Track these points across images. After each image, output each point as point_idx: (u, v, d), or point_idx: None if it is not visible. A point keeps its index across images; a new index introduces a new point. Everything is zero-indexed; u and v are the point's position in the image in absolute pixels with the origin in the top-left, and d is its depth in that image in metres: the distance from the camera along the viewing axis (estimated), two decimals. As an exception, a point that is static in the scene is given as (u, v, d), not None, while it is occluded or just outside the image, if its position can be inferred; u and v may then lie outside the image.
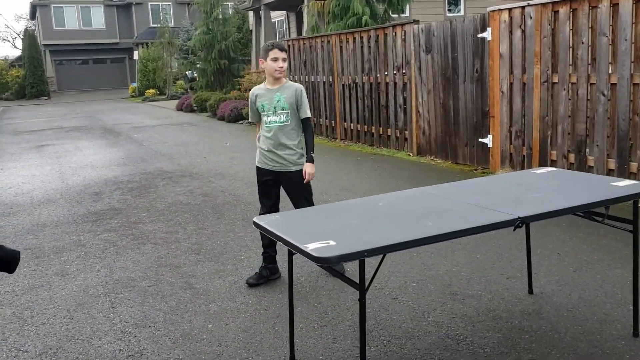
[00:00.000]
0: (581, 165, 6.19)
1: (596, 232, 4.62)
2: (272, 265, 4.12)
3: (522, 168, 6.83)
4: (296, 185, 4.02)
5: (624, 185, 2.98)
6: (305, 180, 3.97)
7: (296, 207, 4.02)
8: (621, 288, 3.64)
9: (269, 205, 4.10)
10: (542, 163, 6.61)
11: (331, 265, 2.36)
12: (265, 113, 3.98)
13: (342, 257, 2.28)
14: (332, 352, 3.08)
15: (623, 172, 5.77)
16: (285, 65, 3.93)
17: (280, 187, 4.12)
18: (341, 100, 10.66)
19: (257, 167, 4.13)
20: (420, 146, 8.88)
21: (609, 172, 5.91)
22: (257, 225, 2.79)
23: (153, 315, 3.64)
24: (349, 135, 10.62)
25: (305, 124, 4.04)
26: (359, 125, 10.26)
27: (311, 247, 2.32)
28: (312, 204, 4.02)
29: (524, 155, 6.88)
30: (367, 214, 2.85)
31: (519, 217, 2.55)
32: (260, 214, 3.85)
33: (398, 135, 9.31)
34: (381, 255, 2.37)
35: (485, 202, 2.87)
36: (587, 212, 2.89)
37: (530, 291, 3.69)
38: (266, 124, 3.99)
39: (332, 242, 2.37)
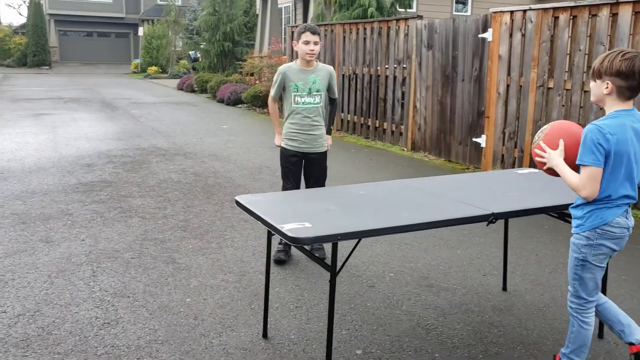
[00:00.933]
0: (569, 171, 6.25)
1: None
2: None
3: (512, 170, 6.89)
4: (320, 166, 4.21)
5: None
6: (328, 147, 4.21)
7: (311, 186, 4.24)
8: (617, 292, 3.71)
9: (297, 181, 4.22)
10: (533, 166, 6.67)
11: (305, 246, 2.42)
12: (298, 94, 4.03)
13: (315, 239, 2.34)
14: (305, 332, 3.15)
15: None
16: (317, 48, 3.97)
17: (302, 167, 4.23)
18: (340, 91, 10.69)
19: (284, 148, 4.18)
20: (414, 142, 8.93)
21: (596, 180, 5.97)
22: (238, 204, 2.85)
23: (133, 286, 3.70)
24: (345, 126, 10.66)
25: (332, 103, 4.31)
26: (355, 117, 10.30)
27: (287, 227, 2.38)
28: (324, 185, 4.28)
29: (515, 157, 6.95)
30: (347, 200, 2.91)
31: (492, 213, 2.62)
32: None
33: (394, 129, 9.36)
34: (356, 240, 2.44)
35: (463, 197, 2.93)
36: (560, 212, 2.95)
37: (504, 288, 3.76)
38: (299, 104, 4.05)
39: (307, 224, 2.43)
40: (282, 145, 4.20)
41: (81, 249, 4.34)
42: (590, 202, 2.41)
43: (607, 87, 2.35)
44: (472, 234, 4.80)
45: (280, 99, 4.24)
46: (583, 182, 2.36)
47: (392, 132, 9.40)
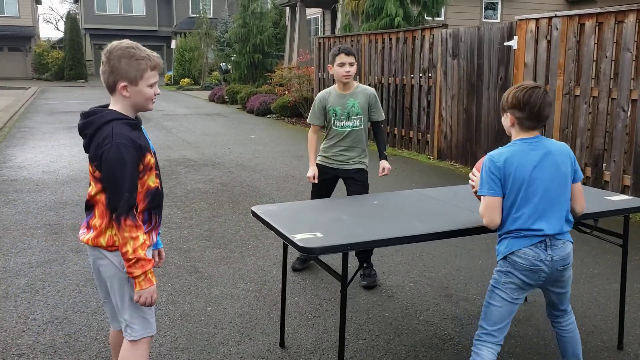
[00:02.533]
0: (597, 180, 6.17)
1: (600, 246, 4.63)
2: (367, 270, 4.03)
3: (539, 178, 6.82)
4: (361, 184, 4.04)
5: (616, 199, 3.02)
6: (383, 174, 4.09)
7: None
8: (614, 302, 3.66)
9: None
10: (559, 175, 6.59)
11: (316, 255, 2.47)
12: (337, 118, 3.93)
13: (325, 249, 2.39)
14: (321, 341, 3.19)
15: (638, 189, 5.73)
16: (353, 69, 3.84)
17: (334, 187, 4.16)
18: (367, 100, 10.71)
19: (317, 164, 4.06)
20: (440, 150, 8.91)
21: (624, 189, 5.88)
22: (254, 214, 2.92)
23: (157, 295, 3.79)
24: (370, 135, 10.65)
25: (377, 126, 4.12)
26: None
27: (298, 237, 2.43)
28: None
29: (541, 166, 6.87)
30: (360, 210, 2.95)
31: (505, 223, 2.62)
32: None
33: (420, 138, 9.35)
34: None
35: (477, 206, 2.93)
36: (576, 222, 2.93)
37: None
38: (337, 127, 3.96)
39: (319, 234, 2.48)
40: (317, 161, 4.10)
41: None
42: (504, 231, 2.41)
43: (509, 120, 2.43)
44: (494, 243, 4.76)
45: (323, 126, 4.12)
46: (482, 211, 2.41)
47: (418, 140, 9.40)
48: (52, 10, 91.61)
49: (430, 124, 9.06)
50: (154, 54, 2.22)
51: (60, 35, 43.55)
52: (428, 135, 9.14)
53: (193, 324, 3.40)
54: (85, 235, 2.23)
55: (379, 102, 4.06)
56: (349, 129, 3.95)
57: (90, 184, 2.21)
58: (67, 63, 34.78)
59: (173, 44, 33.48)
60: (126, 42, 2.18)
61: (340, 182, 4.16)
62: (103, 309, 3.55)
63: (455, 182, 7.17)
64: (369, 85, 10.59)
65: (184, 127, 13.16)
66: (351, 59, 3.83)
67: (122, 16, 40.28)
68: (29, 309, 3.59)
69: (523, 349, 3.09)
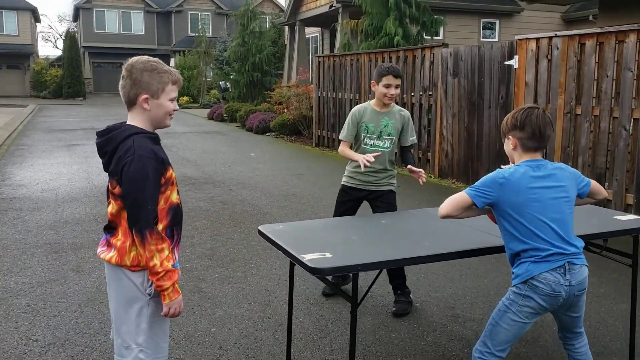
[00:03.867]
0: (599, 198, 6.15)
1: (607, 265, 4.59)
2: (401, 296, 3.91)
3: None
4: (389, 203, 3.88)
5: (625, 219, 3.00)
6: (422, 179, 3.77)
7: None
8: (623, 322, 3.63)
9: None
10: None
11: (325, 276, 2.43)
12: (368, 135, 3.82)
13: (335, 270, 2.36)
14: (328, 363, 3.14)
15: (641, 207, 5.73)
16: (398, 92, 3.78)
17: (356, 210, 4.01)
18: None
19: (342, 185, 4.00)
20: (442, 168, 8.91)
21: (627, 207, 5.87)
22: (261, 233, 2.89)
23: (160, 315, 3.74)
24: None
25: (407, 152, 3.97)
26: (382, 144, 10.32)
27: (307, 257, 2.40)
28: None
29: (543, 185, 6.86)
30: (368, 230, 2.92)
31: (514, 243, 2.59)
32: None
33: (421, 156, 9.36)
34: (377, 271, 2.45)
35: (486, 226, 2.91)
36: (585, 243, 2.91)
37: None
38: (367, 145, 3.83)
39: (328, 255, 2.45)
40: (342, 182, 4.01)
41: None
42: (520, 255, 2.36)
43: (511, 143, 2.42)
44: (500, 263, 4.75)
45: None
46: (450, 199, 2.38)
47: (419, 159, 9.40)
48: (51, 28, 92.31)
49: (431, 142, 9.06)
50: (175, 69, 2.22)
51: (59, 53, 43.78)
52: (429, 154, 9.14)
53: (197, 345, 3.35)
54: (106, 253, 2.20)
55: (413, 126, 3.98)
56: (379, 149, 3.81)
57: (109, 202, 2.18)
58: (66, 81, 34.87)
59: (172, 63, 33.66)
60: (147, 57, 2.18)
61: (365, 203, 4.03)
62: (106, 330, 3.50)
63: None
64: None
65: (183, 145, 13.15)
66: (398, 81, 3.73)
67: (121, 35, 40.51)
68: (30, 329, 3.53)
69: (533, 371, 3.05)
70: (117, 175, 2.06)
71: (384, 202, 3.87)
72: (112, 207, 2.16)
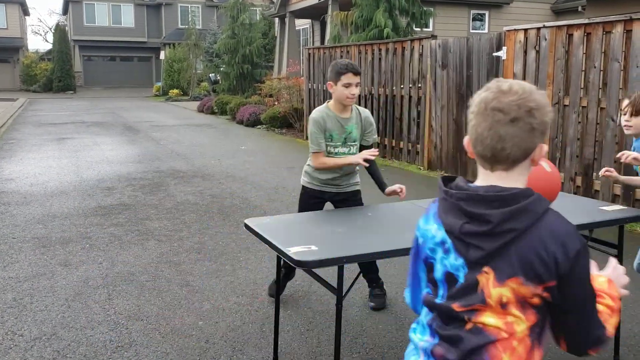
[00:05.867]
0: (587, 189, 6.19)
1: (595, 256, 4.62)
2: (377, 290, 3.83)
3: (529, 188, 6.84)
4: (356, 201, 3.72)
5: (610, 210, 3.01)
6: (403, 195, 3.59)
7: None
8: (609, 312, 3.65)
9: None
10: (549, 184, 6.61)
11: (311, 269, 2.43)
12: (332, 144, 3.50)
13: (321, 262, 2.36)
14: (315, 355, 3.15)
15: (628, 198, 5.76)
16: (358, 91, 3.41)
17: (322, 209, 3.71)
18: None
19: (304, 187, 3.71)
20: (431, 160, 8.92)
21: (615, 198, 5.91)
22: (247, 227, 2.88)
23: (147, 310, 3.74)
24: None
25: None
26: (372, 137, 10.31)
27: (292, 250, 2.40)
28: None
29: (531, 176, 6.89)
30: (355, 223, 2.92)
31: (500, 235, 2.60)
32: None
33: (410, 148, 9.37)
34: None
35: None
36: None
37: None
38: (331, 154, 3.52)
39: (314, 247, 2.45)
40: (304, 183, 3.71)
41: (98, 272, 4.41)
42: None
43: None
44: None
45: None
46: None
47: (409, 151, 9.41)
48: (41, 21, 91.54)
49: (421, 134, 9.07)
50: None
51: (48, 46, 43.39)
52: (418, 146, 9.15)
53: (184, 338, 3.35)
54: None
55: (374, 123, 3.70)
56: (343, 156, 3.54)
57: (492, 313, 1.34)
58: (56, 74, 34.58)
59: (162, 55, 33.45)
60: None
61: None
62: (92, 324, 3.49)
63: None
64: (359, 96, 10.57)
65: (173, 138, 13.10)
66: (358, 79, 3.38)
67: (111, 28, 40.22)
68: (16, 324, 3.51)
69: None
70: (557, 278, 1.29)
71: (352, 201, 3.67)
72: (503, 321, 1.33)
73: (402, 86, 9.43)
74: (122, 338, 3.34)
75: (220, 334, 3.40)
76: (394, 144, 9.75)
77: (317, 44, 20.49)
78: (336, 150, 3.52)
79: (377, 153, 3.47)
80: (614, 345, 3.12)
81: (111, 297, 3.94)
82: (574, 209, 3.08)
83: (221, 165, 9.39)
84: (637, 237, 5.34)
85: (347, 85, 3.34)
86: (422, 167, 9.04)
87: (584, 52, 6.19)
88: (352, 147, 3.54)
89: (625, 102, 3.25)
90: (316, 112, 3.51)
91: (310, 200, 3.66)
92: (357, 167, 3.66)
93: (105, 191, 7.33)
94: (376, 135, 3.74)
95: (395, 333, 3.41)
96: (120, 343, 3.28)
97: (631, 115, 3.20)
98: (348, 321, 3.57)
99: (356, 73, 3.35)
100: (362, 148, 3.61)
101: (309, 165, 3.70)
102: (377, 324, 3.53)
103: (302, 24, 22.26)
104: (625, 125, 3.26)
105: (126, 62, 42.30)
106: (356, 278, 2.69)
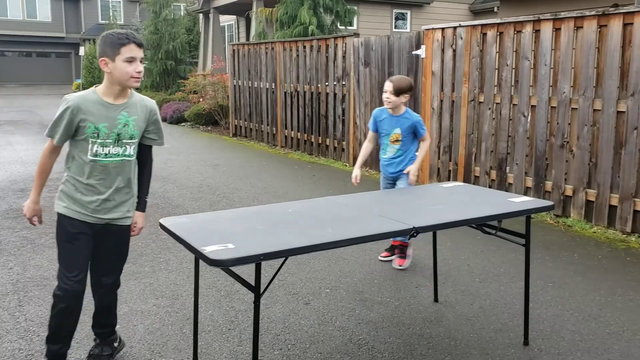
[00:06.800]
0: (502, 182, 6.46)
1: (506, 246, 4.84)
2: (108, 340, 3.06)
3: (449, 182, 7.07)
4: (122, 244, 2.91)
5: (518, 201, 3.16)
6: (133, 234, 2.93)
7: (101, 278, 2.92)
8: (520, 299, 3.83)
9: (83, 266, 2.75)
10: (467, 179, 6.86)
11: (228, 267, 2.40)
12: (100, 141, 2.64)
13: (237, 260, 2.33)
14: (237, 354, 3.13)
15: (539, 190, 6.06)
16: (143, 68, 2.69)
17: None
18: (283, 108, 10.75)
19: (63, 216, 2.72)
20: (356, 157, 9.03)
21: (527, 190, 6.20)
22: (162, 227, 2.81)
23: (61, 315, 3.58)
24: (289, 143, 10.70)
25: (150, 158, 2.92)
26: (299, 134, 10.35)
27: (208, 249, 2.36)
28: (119, 277, 3.02)
29: (450, 170, 7.13)
30: (275, 219, 2.91)
31: (414, 227, 2.68)
32: (65, 287, 2.70)
33: (336, 145, 9.46)
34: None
35: (388, 212, 2.99)
36: (480, 224, 3.05)
37: (436, 299, 3.84)
38: (99, 157, 2.66)
39: (230, 245, 2.42)
40: (61, 211, 2.72)
41: (8, 278, 4.18)
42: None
43: (405, 98, 3.14)
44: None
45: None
46: None
47: (335, 148, 9.50)
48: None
49: (346, 131, 9.18)
50: None
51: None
52: (344, 143, 9.26)
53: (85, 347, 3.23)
54: None
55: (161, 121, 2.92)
56: (117, 160, 2.70)
57: None
58: (-36, 70, 32.53)
59: (82, 51, 32.09)
60: None
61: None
62: (0, 333, 3.31)
63: (370, 187, 7.29)
64: (285, 93, 10.59)
65: (93, 137, 12.61)
66: (142, 53, 2.66)
67: (26, 22, 38.23)
68: None
69: (435, 350, 3.17)
70: None
71: (117, 241, 2.86)
72: None
73: (327, 83, 9.50)
74: (33, 346, 3.19)
75: (138, 337, 3.31)
76: (320, 141, 9.81)
77: (243, 40, 20.30)
78: (106, 149, 2.67)
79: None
80: (523, 331, 3.28)
81: (22, 304, 3.75)
82: (484, 201, 3.20)
83: (143, 164, 9.12)
84: (548, 227, 5.63)
85: (131, 60, 2.60)
86: (347, 164, 9.14)
87: (497, 50, 6.45)
88: (129, 147, 2.72)
89: (388, 83, 4.32)
90: (74, 96, 2.66)
91: (71, 230, 2.70)
92: (124, 193, 2.79)
93: (18, 193, 6.97)
94: (163, 140, 2.92)
95: (317, 328, 3.44)
96: (30, 351, 3.13)
97: (391, 94, 4.29)
98: (270, 318, 3.57)
99: (140, 45, 2.64)
100: (144, 152, 2.86)
101: (68, 180, 2.75)
102: (299, 320, 3.55)
103: (227, 20, 22.00)
104: (385, 100, 4.34)
105: (43, 58, 40.36)
106: (274, 275, 2.68)
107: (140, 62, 2.65)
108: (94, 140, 2.65)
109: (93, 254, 2.81)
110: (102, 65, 2.63)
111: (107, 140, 2.66)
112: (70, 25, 39.30)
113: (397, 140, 4.46)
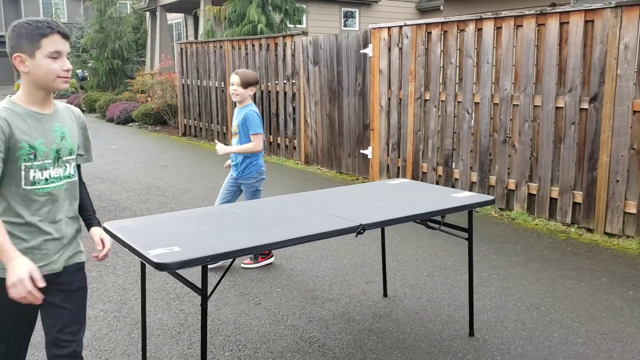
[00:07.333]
0: (448, 178, 6.61)
1: (453, 240, 4.97)
2: None
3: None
4: (81, 294, 2.29)
5: (461, 196, 3.25)
6: (102, 255, 2.36)
7: (62, 339, 2.31)
8: (466, 292, 3.94)
9: (23, 343, 2.41)
10: (415, 175, 6.99)
11: (174, 270, 2.39)
12: (37, 163, 2.04)
13: (183, 263, 2.32)
14: (187, 357, 3.11)
15: (484, 184, 6.23)
16: (71, 65, 2.13)
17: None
18: (233, 107, 10.67)
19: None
20: (307, 155, 9.07)
21: (472, 185, 6.36)
22: (106, 231, 2.76)
23: (3, 324, 3.48)
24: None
25: (80, 180, 2.31)
26: (249, 133, 10.30)
27: (153, 253, 2.34)
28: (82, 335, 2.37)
29: (399, 167, 7.24)
30: (222, 220, 2.91)
31: (360, 224, 2.72)
32: None
33: (287, 143, 9.46)
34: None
35: (336, 210, 3.02)
36: (424, 220, 3.13)
37: (385, 294, 3.91)
38: (38, 184, 2.05)
39: (176, 248, 2.41)
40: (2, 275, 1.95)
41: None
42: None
43: (251, 91, 3.33)
44: (358, 243, 4.95)
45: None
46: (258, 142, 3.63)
47: (286, 146, 9.50)
48: None
49: (297, 129, 9.20)
50: None
51: None
52: (295, 141, 9.27)
53: (43, 352, 3.15)
54: None
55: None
56: (61, 184, 2.13)
57: None
58: None
59: (22, 50, 31.03)
60: None
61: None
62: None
63: (322, 185, 7.34)
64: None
65: (36, 139, 12.23)
66: (68, 47, 2.09)
67: (-39, 19, 36.67)
68: None
69: (384, 345, 3.23)
70: None
71: (78, 290, 2.26)
72: None
73: (277, 82, 9.50)
74: (-27, 358, 3.09)
75: (85, 343, 3.24)
76: (272, 140, 9.80)
77: (191, 38, 20.05)
78: (47, 174, 2.08)
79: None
80: (468, 322, 3.38)
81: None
82: (428, 197, 3.28)
83: (88, 166, 8.91)
84: (493, 220, 5.80)
85: (56, 56, 2.04)
86: (299, 162, 9.17)
87: (442, 49, 6.59)
88: (69, 166, 2.16)
89: (235, 76, 4.30)
90: None
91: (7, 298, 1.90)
92: (72, 223, 2.25)
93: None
94: (91, 154, 2.40)
95: (268, 327, 3.45)
96: (-30, 363, 3.03)
97: (239, 86, 4.30)
98: (221, 320, 3.56)
99: (66, 35, 2.07)
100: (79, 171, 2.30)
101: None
102: (250, 320, 3.55)
103: (175, 18, 21.67)
104: (233, 93, 4.33)
105: (-20, 57, 38.79)
106: (222, 277, 2.67)
107: (68, 57, 2.10)
108: (28, 164, 2.03)
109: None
110: (17, 63, 2.02)
111: (45, 161, 2.06)
112: (9, 23, 37.78)
113: (235, 134, 4.41)
